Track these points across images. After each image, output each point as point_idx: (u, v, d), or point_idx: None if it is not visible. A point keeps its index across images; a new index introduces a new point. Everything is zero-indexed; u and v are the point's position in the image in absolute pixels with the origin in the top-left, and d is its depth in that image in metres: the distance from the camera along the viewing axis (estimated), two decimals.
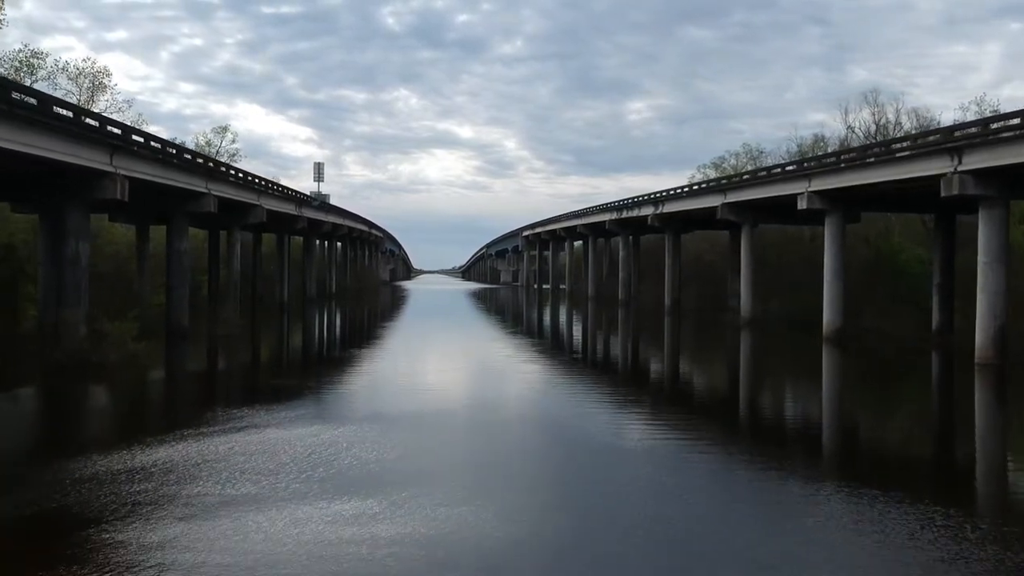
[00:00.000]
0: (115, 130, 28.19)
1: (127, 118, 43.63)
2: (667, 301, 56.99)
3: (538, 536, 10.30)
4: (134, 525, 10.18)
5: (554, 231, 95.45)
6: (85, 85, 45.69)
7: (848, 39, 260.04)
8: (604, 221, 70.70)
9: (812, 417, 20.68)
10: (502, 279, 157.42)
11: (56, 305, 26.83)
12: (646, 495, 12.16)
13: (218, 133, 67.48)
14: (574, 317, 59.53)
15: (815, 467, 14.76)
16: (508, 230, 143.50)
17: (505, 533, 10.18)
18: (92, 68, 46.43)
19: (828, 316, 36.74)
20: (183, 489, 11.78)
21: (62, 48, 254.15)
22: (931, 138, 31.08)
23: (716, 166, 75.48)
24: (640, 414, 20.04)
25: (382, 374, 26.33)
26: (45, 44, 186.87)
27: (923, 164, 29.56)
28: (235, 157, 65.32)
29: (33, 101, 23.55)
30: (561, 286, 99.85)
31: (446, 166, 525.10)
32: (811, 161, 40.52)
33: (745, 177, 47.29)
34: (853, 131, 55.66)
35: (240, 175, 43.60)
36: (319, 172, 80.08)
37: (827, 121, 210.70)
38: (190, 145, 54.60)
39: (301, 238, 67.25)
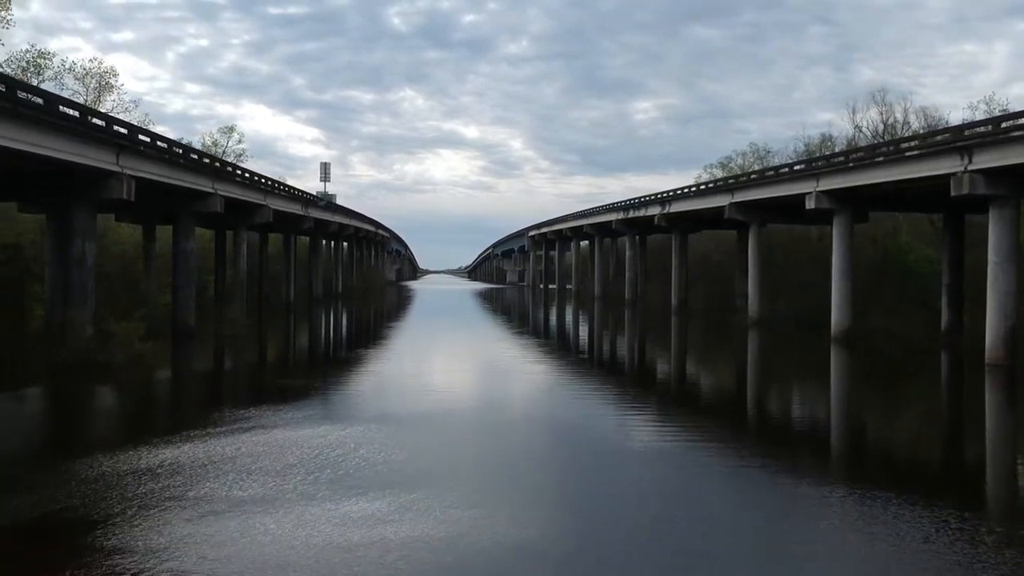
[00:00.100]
0: (121, 130, 28.17)
1: (134, 118, 43.63)
2: (674, 301, 56.84)
3: (548, 539, 10.19)
4: (140, 527, 10.10)
5: (560, 231, 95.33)
6: (92, 85, 45.80)
7: (854, 38, 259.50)
8: (611, 221, 70.56)
9: (822, 418, 20.54)
10: (508, 279, 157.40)
11: (63, 305, 26.79)
12: (655, 497, 12.05)
13: (224, 133, 67.54)
14: (580, 317, 59.40)
15: (827, 469, 14.61)
16: (514, 230, 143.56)
17: (516, 537, 10.07)
18: (99, 68, 46.57)
19: (836, 316, 36.57)
20: (190, 491, 11.70)
21: (69, 49, 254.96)
22: (940, 137, 30.91)
23: (723, 166, 75.32)
24: (649, 415, 19.93)
25: (389, 374, 26.23)
26: (52, 45, 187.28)
27: (933, 163, 29.39)
28: (241, 157, 65.38)
29: (39, 101, 23.55)
30: (567, 286, 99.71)
31: (452, 166, 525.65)
32: (819, 160, 40.36)
33: (753, 177, 47.13)
34: (861, 130, 55.53)
35: (246, 175, 43.57)
36: (325, 172, 79.97)
37: (835, 120, 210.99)
38: (197, 145, 54.65)
39: (307, 238, 67.23)
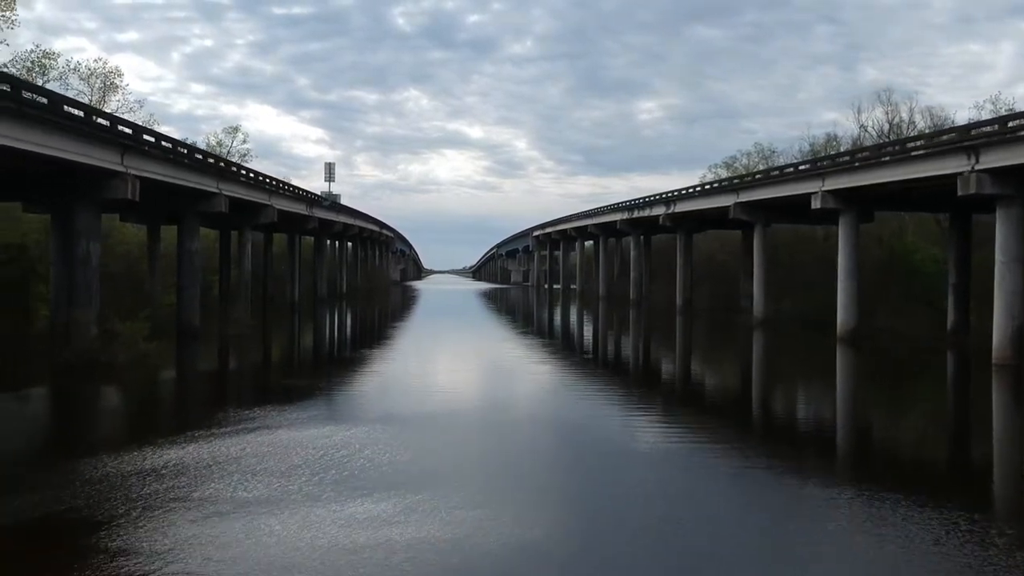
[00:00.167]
0: (126, 130, 28.15)
1: (138, 119, 43.67)
2: (679, 301, 56.73)
3: (554, 540, 10.12)
4: (145, 528, 10.06)
5: (565, 231, 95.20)
6: (97, 85, 45.87)
7: (859, 38, 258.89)
8: (615, 221, 70.47)
9: (829, 419, 20.42)
10: (512, 279, 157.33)
11: (67, 305, 26.79)
12: (661, 498, 11.98)
13: (229, 133, 67.81)
14: (585, 317, 59.32)
15: (834, 470, 14.54)
16: (518, 230, 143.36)
17: (521, 538, 10.00)
18: (103, 68, 46.65)
19: (842, 316, 36.44)
20: (195, 491, 11.66)
21: (74, 49, 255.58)
22: (947, 137, 30.78)
23: (728, 166, 75.24)
24: (654, 416, 19.86)
25: (394, 375, 26.19)
26: (57, 45, 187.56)
27: (939, 163, 29.27)
28: (246, 157, 65.56)
29: (44, 100, 23.52)
30: (572, 286, 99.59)
31: (456, 166, 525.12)
32: (825, 160, 40.24)
33: (758, 176, 47.02)
34: (866, 130, 55.40)
35: (251, 175, 43.58)
36: (330, 172, 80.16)
37: (840, 120, 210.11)
38: (201, 145, 54.64)
39: (312, 238, 67.29)
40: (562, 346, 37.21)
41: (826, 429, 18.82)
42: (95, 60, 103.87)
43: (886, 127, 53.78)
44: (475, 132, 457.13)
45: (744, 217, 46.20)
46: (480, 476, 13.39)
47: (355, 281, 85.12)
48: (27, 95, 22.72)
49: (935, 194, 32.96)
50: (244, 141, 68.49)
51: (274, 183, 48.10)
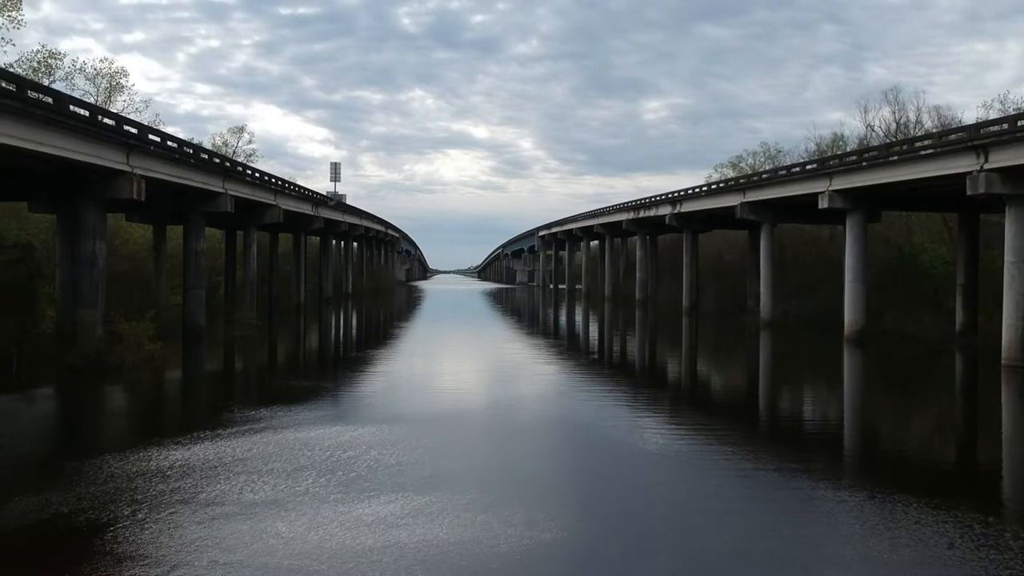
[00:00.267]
0: (131, 129, 28.10)
1: (144, 119, 43.85)
2: (685, 302, 56.57)
3: (563, 541, 10.01)
4: (151, 530, 9.98)
5: (570, 231, 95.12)
6: (103, 85, 45.98)
7: (866, 37, 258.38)
8: (621, 221, 70.34)
9: (838, 420, 20.29)
10: (518, 279, 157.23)
11: (73, 305, 26.77)
12: (672, 500, 11.88)
13: (235, 133, 67.81)
14: (591, 318, 59.16)
15: (845, 471, 14.39)
16: (524, 230, 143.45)
17: (531, 540, 9.88)
18: (109, 69, 46.77)
19: (849, 316, 36.28)
20: (200, 493, 11.58)
21: (80, 50, 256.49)
22: (955, 136, 30.63)
23: (734, 165, 75.16)
24: (662, 417, 19.74)
25: (400, 375, 26.11)
26: (63, 46, 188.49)
27: (948, 162, 29.13)
28: (252, 157, 65.58)
29: (49, 100, 23.47)
30: (577, 286, 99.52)
31: (461, 166, 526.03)
32: (832, 160, 40.08)
33: (765, 176, 46.87)
34: (873, 130, 55.27)
35: (257, 175, 43.55)
36: (335, 172, 79.91)
37: (846, 120, 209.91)
38: (207, 145, 54.74)
39: (318, 238, 67.29)
40: (568, 347, 37.10)
41: (835, 431, 18.69)
42: (101, 60, 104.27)
43: (893, 127, 53.63)
44: (480, 132, 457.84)
45: (751, 217, 46.05)
46: (489, 477, 13.28)
47: (360, 281, 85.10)
48: (32, 95, 22.66)
49: (943, 194, 32.84)
50: (250, 141, 68.62)
51: (279, 183, 48.07)
